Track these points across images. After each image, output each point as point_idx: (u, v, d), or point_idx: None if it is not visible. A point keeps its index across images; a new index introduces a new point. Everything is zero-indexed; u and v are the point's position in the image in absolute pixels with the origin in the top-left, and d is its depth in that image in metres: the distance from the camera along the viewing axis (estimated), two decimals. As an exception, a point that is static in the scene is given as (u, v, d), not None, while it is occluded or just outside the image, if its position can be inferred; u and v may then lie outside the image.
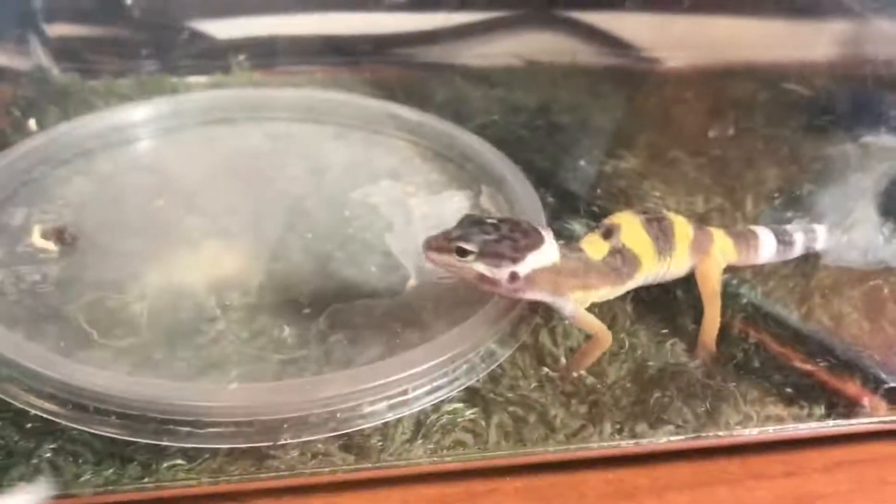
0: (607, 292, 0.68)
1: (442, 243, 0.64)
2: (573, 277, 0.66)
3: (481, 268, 0.63)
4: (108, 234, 0.79)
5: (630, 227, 0.69)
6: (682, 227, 0.71)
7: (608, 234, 0.69)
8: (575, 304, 0.66)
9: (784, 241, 0.77)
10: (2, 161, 0.84)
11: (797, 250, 0.78)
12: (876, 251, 0.82)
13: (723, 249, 0.73)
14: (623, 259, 0.68)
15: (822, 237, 0.79)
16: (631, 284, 0.69)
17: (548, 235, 0.66)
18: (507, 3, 1.23)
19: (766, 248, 0.76)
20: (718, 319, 0.71)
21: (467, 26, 1.22)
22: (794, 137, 0.99)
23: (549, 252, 0.65)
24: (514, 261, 0.63)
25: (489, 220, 0.65)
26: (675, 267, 0.71)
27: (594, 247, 0.68)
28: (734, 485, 0.66)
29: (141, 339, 0.68)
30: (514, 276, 0.63)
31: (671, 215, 0.72)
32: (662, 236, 0.70)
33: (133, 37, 1.15)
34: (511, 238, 0.64)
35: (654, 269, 0.70)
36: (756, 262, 0.76)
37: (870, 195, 0.87)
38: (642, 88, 1.12)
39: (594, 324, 0.67)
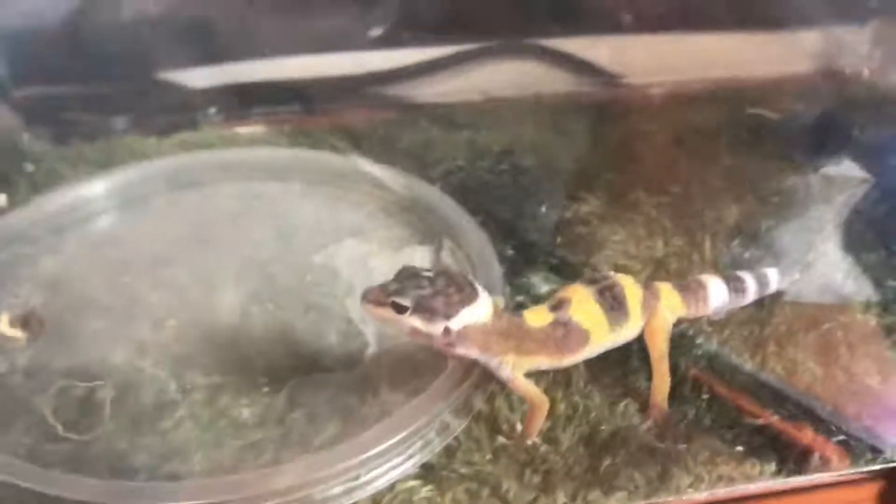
0: (546, 362, 0.69)
1: (379, 297, 0.66)
2: (505, 339, 0.67)
3: (416, 322, 0.65)
4: (75, 316, 0.81)
5: (581, 300, 0.70)
6: (632, 291, 0.72)
7: (557, 307, 0.70)
8: (511, 367, 0.67)
9: (735, 289, 0.77)
10: (-28, 246, 0.87)
11: (749, 297, 0.78)
12: (835, 288, 0.83)
13: (671, 305, 0.74)
14: (566, 332, 0.68)
15: (774, 281, 0.79)
16: (577, 358, 0.70)
17: (482, 292, 0.67)
18: (476, 35, 1.24)
19: (716, 298, 0.76)
20: (668, 378, 0.71)
21: (435, 62, 1.22)
22: (757, 168, 0.99)
23: (482, 309, 0.66)
24: (447, 316, 0.65)
25: (424, 274, 0.67)
26: (629, 332, 0.72)
27: (536, 315, 0.69)
28: (691, 540, 0.67)
29: (105, 430, 0.70)
30: (447, 331, 0.65)
31: (620, 278, 0.72)
32: (616, 305, 0.70)
33: (103, 94, 1.17)
34: (445, 293, 0.65)
35: (606, 341, 0.71)
36: (706, 312, 0.77)
37: (829, 229, 0.88)
38: (608, 121, 1.12)
39: (530, 390, 0.68)
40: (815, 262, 0.85)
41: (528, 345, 0.68)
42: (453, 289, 0.66)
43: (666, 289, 0.74)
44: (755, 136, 1.06)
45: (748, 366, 0.75)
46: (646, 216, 0.93)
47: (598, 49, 1.24)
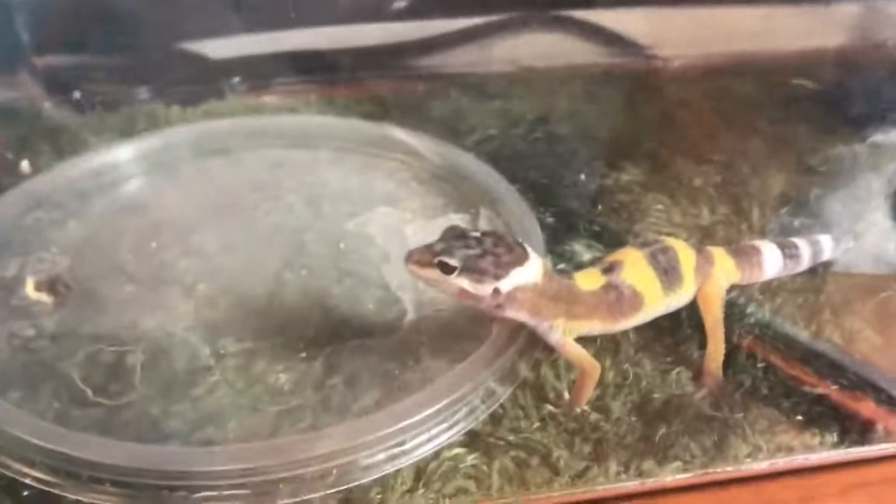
0: (598, 326, 0.66)
1: (424, 257, 0.63)
2: (556, 302, 0.64)
3: (464, 283, 0.62)
4: (103, 282, 0.78)
5: (634, 264, 0.67)
6: (686, 254, 0.69)
7: (609, 270, 0.67)
8: (561, 332, 0.65)
9: (790, 254, 0.74)
10: (-3, 209, 0.84)
11: (804, 263, 0.76)
12: (888, 257, 0.80)
13: (724, 270, 0.71)
14: (619, 296, 0.66)
15: (828, 248, 0.77)
16: (631, 322, 0.68)
17: (532, 253, 0.64)
18: (503, 6, 1.21)
19: (771, 264, 0.74)
20: (723, 345, 0.68)
21: (464, 32, 1.19)
22: (802, 138, 0.96)
23: (533, 270, 0.63)
24: (497, 277, 0.62)
25: (472, 234, 0.64)
26: (683, 297, 0.69)
27: (588, 278, 0.66)
28: (748, 515, 0.64)
29: (136, 395, 0.67)
30: (496, 293, 0.62)
31: (673, 242, 0.70)
32: (670, 269, 0.68)
33: (126, 64, 1.14)
34: (494, 253, 0.62)
35: (660, 305, 0.68)
36: (761, 279, 0.74)
37: (881, 198, 0.85)
38: (644, 91, 1.09)
39: (581, 355, 0.65)
40: (866, 231, 0.82)
41: (580, 308, 0.65)
42: (502, 249, 0.63)
43: (720, 253, 0.72)
44: (797, 106, 1.03)
45: (803, 334, 0.72)
46: (689, 185, 0.90)
47: (628, 21, 1.20)
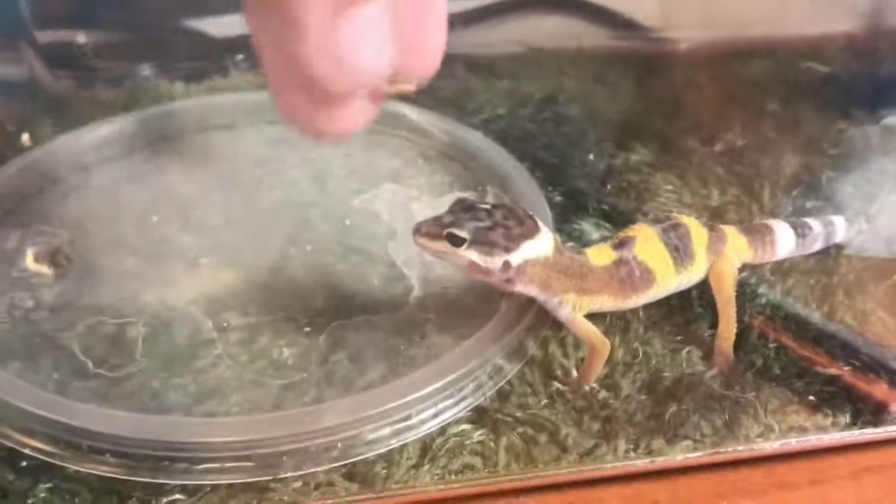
0: (608, 302, 0.65)
1: (433, 229, 0.62)
2: (567, 277, 0.63)
3: (473, 256, 0.61)
4: (104, 255, 0.77)
5: (646, 240, 0.66)
6: (698, 231, 0.68)
7: (620, 245, 0.66)
8: (571, 308, 0.63)
9: (802, 234, 0.73)
10: (-4, 180, 0.83)
11: (817, 244, 0.74)
12: (901, 240, 0.79)
13: (737, 249, 0.70)
14: (631, 272, 0.64)
15: (841, 229, 0.75)
16: (642, 299, 0.67)
17: (544, 227, 0.63)
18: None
19: (784, 243, 0.72)
20: (735, 324, 0.67)
21: (472, 12, 1.18)
22: (813, 120, 0.95)
23: (544, 243, 0.62)
24: (507, 249, 0.61)
25: (482, 206, 0.62)
26: (695, 275, 0.68)
27: (599, 253, 0.65)
28: (758, 496, 0.63)
29: (137, 367, 0.66)
30: (506, 266, 0.61)
31: (685, 219, 0.68)
32: (681, 246, 0.66)
33: (128, 40, 1.13)
34: (504, 226, 0.61)
35: (671, 283, 0.67)
36: (773, 258, 0.73)
37: (893, 181, 0.84)
38: (653, 73, 1.08)
39: (590, 331, 0.64)
40: (879, 214, 0.81)
41: (591, 284, 0.64)
42: (513, 221, 0.61)
43: (732, 232, 0.71)
44: (808, 89, 1.02)
45: (816, 315, 0.71)
46: (699, 166, 0.89)
47: (636, 3, 1.19)
